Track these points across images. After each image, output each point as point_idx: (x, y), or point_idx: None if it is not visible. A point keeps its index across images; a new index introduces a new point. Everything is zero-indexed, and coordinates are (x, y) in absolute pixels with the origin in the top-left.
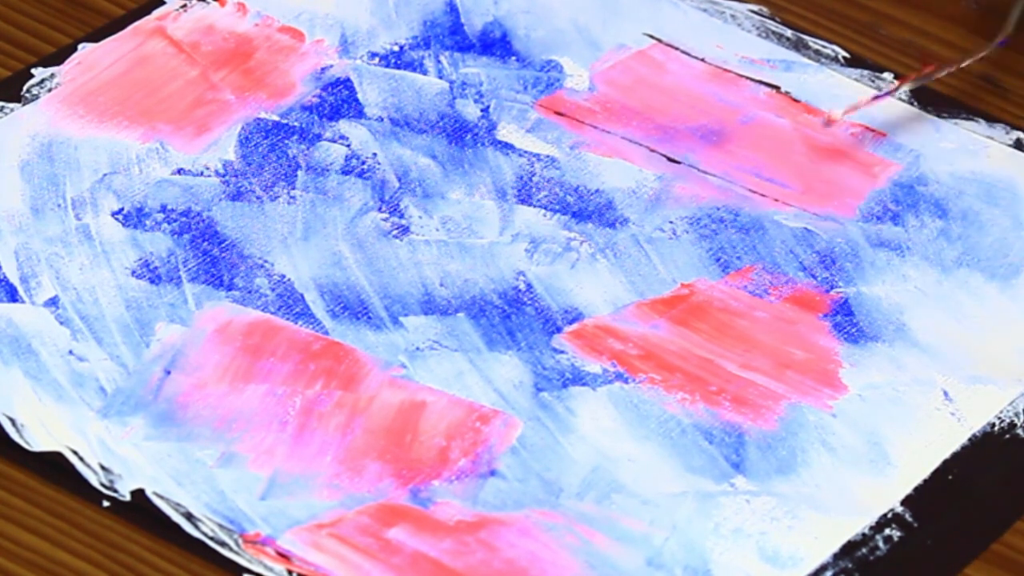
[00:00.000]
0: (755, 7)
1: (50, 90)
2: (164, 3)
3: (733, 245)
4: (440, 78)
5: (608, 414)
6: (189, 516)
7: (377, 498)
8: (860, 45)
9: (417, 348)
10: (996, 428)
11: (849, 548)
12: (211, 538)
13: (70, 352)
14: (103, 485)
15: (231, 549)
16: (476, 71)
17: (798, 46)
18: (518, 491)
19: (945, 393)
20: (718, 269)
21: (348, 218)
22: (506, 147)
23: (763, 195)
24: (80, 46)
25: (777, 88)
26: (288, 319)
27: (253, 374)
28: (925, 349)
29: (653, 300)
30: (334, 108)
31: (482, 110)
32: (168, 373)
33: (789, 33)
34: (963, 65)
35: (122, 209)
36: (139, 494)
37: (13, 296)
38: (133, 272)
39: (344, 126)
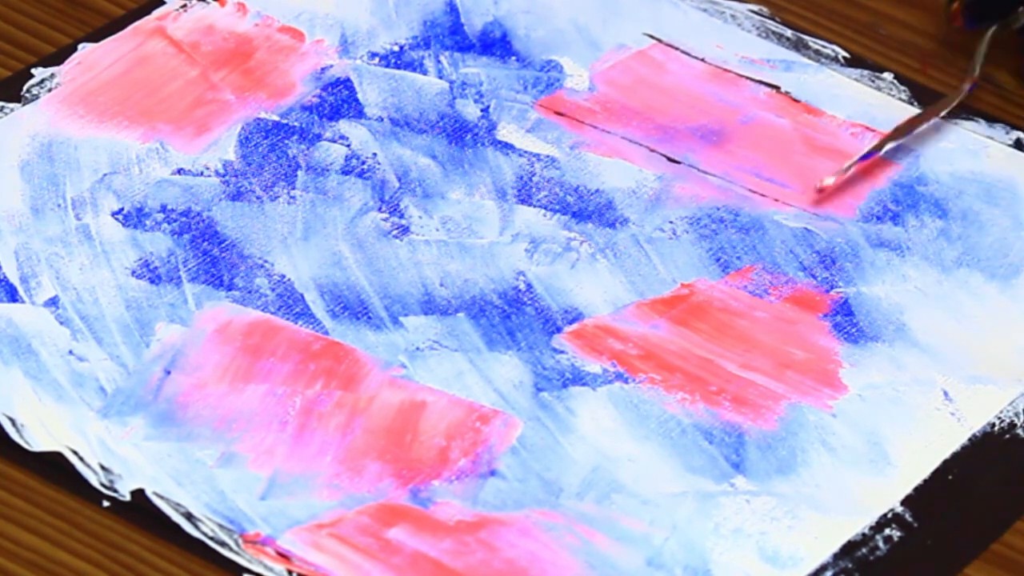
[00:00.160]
0: (755, 7)
1: (50, 90)
2: (164, 3)
3: (733, 245)
4: (440, 78)
5: (608, 414)
6: (189, 516)
7: (377, 498)
8: (860, 45)
9: (417, 348)
10: (996, 428)
11: (849, 548)
12: (211, 538)
13: (70, 352)
14: (103, 485)
15: (231, 549)
16: (476, 71)
17: (798, 46)
18: (518, 491)
19: (945, 393)
20: (718, 269)
21: (348, 218)
22: (506, 147)
23: (763, 195)
24: (80, 46)
25: (777, 88)
26: (288, 319)
27: (253, 374)
28: (925, 349)
29: (653, 300)
30: (334, 108)
31: (482, 110)
32: (168, 373)
33: (789, 33)
34: (940, 116)
35: (122, 209)
36: (139, 494)
37: (13, 296)
38: (133, 272)
39: (344, 126)
